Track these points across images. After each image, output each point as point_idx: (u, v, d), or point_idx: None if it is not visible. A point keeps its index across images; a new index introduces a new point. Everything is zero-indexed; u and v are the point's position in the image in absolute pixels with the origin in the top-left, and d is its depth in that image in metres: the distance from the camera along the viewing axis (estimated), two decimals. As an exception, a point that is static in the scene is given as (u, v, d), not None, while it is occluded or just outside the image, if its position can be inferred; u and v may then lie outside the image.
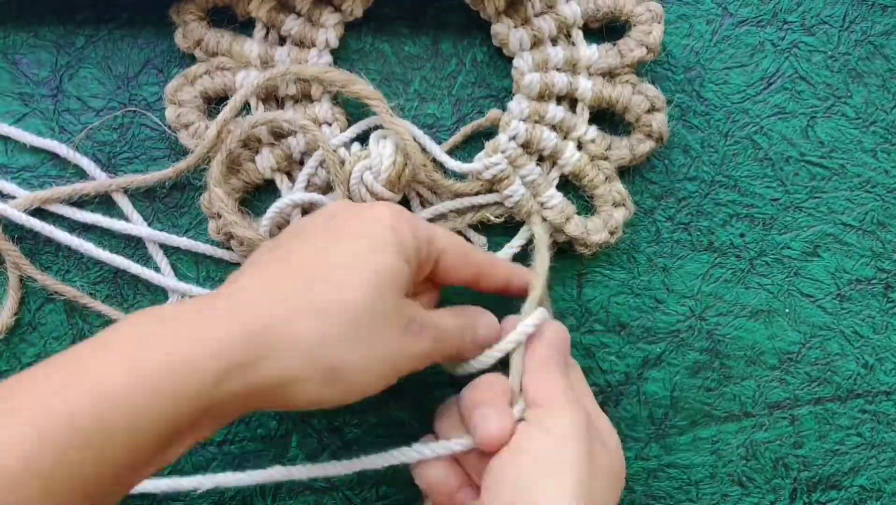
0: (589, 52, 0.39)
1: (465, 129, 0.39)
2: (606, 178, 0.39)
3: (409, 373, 0.30)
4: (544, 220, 0.38)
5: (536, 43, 0.39)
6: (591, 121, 0.39)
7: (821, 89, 0.41)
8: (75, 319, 0.39)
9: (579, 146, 0.39)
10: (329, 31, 0.38)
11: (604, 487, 0.30)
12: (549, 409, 0.31)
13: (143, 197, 0.39)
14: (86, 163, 0.38)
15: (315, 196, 0.37)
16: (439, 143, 0.39)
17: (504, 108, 0.39)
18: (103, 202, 0.39)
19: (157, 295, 0.39)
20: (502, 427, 0.30)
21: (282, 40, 0.39)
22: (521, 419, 0.31)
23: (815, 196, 0.41)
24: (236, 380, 0.25)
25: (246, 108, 0.38)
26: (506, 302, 0.35)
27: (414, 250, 0.30)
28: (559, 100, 0.39)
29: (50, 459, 0.22)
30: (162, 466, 0.26)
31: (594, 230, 0.39)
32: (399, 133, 0.36)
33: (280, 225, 0.37)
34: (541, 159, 0.39)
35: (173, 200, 0.39)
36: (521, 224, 0.39)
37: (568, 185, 0.40)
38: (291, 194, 0.37)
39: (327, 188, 0.38)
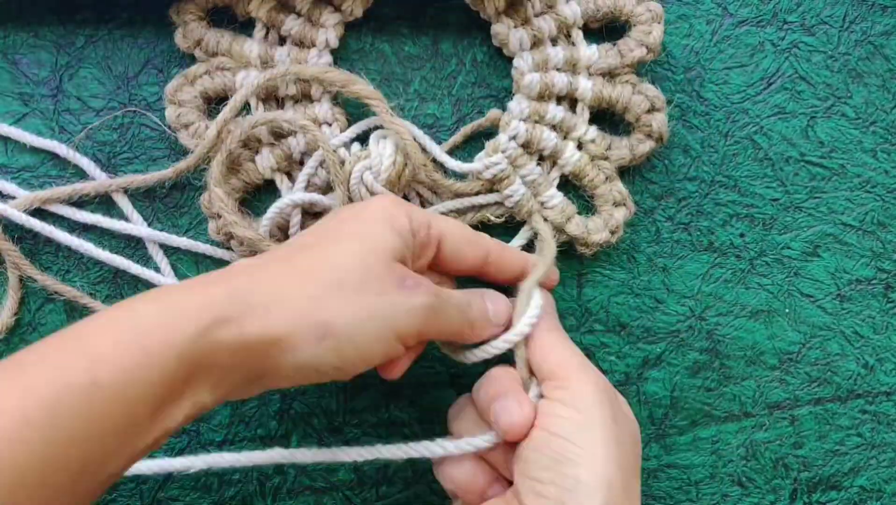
0: (589, 52, 0.39)
1: (466, 129, 0.39)
2: (606, 178, 0.39)
3: (412, 338, 0.29)
4: (545, 220, 0.38)
5: (536, 43, 0.39)
6: (591, 121, 0.39)
7: (821, 89, 0.41)
8: (75, 319, 0.38)
9: (579, 146, 0.39)
10: (329, 31, 0.38)
11: (629, 448, 0.30)
12: (566, 379, 0.30)
13: (143, 197, 0.39)
14: (86, 163, 0.38)
15: (315, 196, 0.37)
16: (439, 143, 0.39)
17: (504, 108, 0.39)
18: (103, 202, 0.39)
19: (157, 295, 0.39)
20: (524, 414, 0.30)
21: (282, 40, 0.39)
22: (540, 396, 0.31)
23: (815, 196, 0.41)
24: (224, 331, 0.25)
25: (246, 108, 0.38)
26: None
27: (409, 232, 0.30)
28: (559, 100, 0.39)
29: (46, 422, 0.22)
30: (163, 437, 0.26)
31: (595, 230, 0.39)
32: (399, 133, 0.36)
33: (280, 225, 0.37)
34: (541, 159, 0.39)
35: (173, 200, 0.39)
36: (521, 224, 0.39)
37: (568, 185, 0.40)
38: (291, 194, 0.37)
39: (327, 188, 0.38)
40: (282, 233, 0.38)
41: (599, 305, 0.40)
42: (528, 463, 0.29)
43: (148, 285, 0.38)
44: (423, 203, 0.39)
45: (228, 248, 0.38)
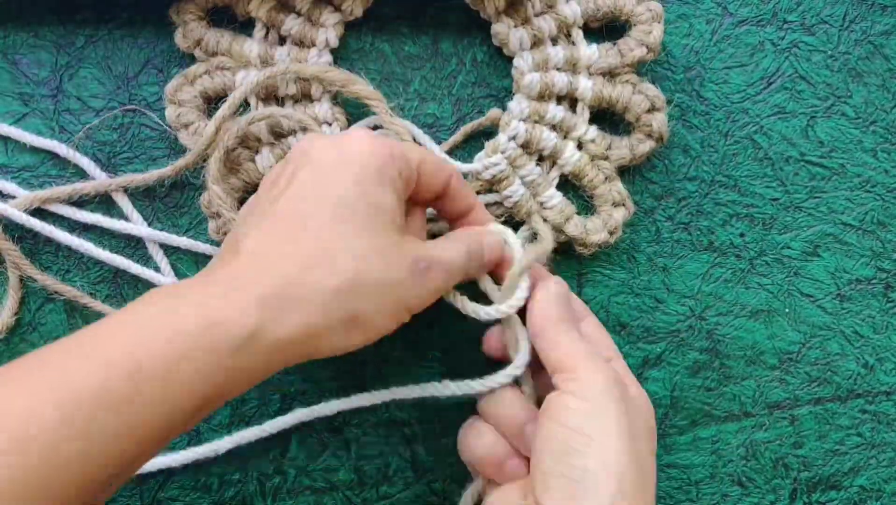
0: (589, 51, 0.39)
1: (465, 129, 0.39)
2: (606, 178, 0.39)
3: (420, 310, 0.31)
4: (545, 220, 0.38)
5: (536, 43, 0.39)
6: (591, 121, 0.39)
7: (821, 89, 0.41)
8: (75, 319, 0.39)
9: (579, 146, 0.39)
10: (329, 30, 0.38)
11: (643, 438, 0.30)
12: (574, 370, 0.30)
13: (143, 197, 0.39)
14: (86, 163, 0.38)
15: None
16: (439, 142, 0.39)
17: (504, 108, 0.39)
18: (103, 202, 0.39)
19: (157, 295, 0.39)
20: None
21: (282, 40, 0.39)
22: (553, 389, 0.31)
23: (815, 196, 0.41)
24: (265, 336, 0.26)
25: (246, 108, 0.38)
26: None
27: (401, 181, 0.31)
28: (559, 100, 0.39)
29: (83, 424, 0.23)
30: (188, 429, 0.27)
31: (594, 230, 0.39)
32: (399, 133, 0.36)
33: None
34: (541, 159, 0.39)
35: (173, 200, 0.39)
36: (521, 224, 0.39)
37: (568, 184, 0.40)
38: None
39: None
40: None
41: (599, 304, 0.40)
42: (539, 454, 0.29)
43: (148, 285, 0.38)
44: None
45: (228, 248, 0.38)
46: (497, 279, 0.34)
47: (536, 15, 0.38)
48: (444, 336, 0.39)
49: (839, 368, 0.40)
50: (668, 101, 0.39)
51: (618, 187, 0.39)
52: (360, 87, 0.37)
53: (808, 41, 0.41)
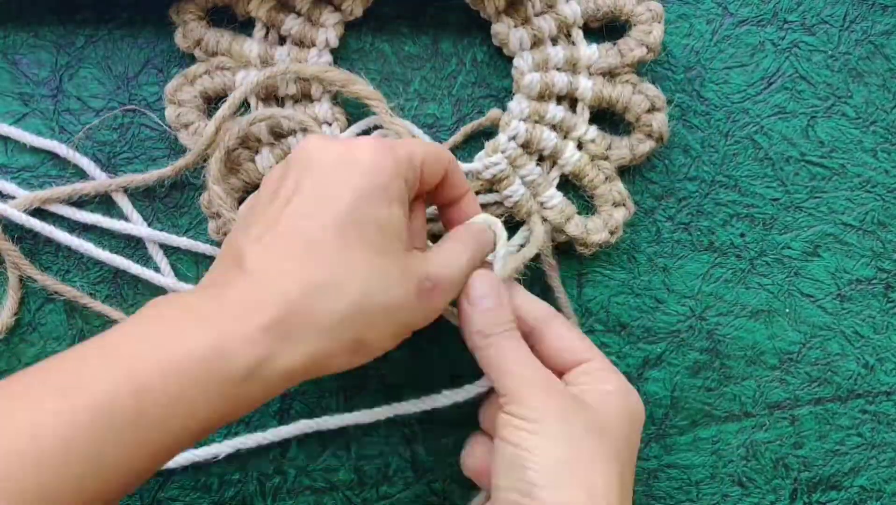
0: (589, 51, 0.39)
1: (466, 129, 0.39)
2: (606, 178, 0.39)
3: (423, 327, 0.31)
4: (545, 220, 0.38)
5: (536, 43, 0.39)
6: (592, 121, 0.39)
7: (821, 89, 0.41)
8: (75, 319, 0.39)
9: (579, 146, 0.39)
10: (329, 30, 0.38)
11: (598, 443, 0.30)
12: (512, 395, 0.31)
13: (143, 197, 0.39)
14: (86, 163, 0.38)
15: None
16: (439, 142, 0.39)
17: (504, 108, 0.39)
18: (103, 202, 0.39)
19: (158, 295, 0.39)
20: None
21: (282, 40, 0.39)
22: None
23: (815, 196, 0.41)
24: (272, 366, 0.26)
25: (246, 108, 0.38)
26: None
27: (408, 188, 0.30)
28: (559, 100, 0.39)
29: (88, 444, 0.23)
30: (191, 446, 0.28)
31: (594, 230, 0.38)
32: (399, 133, 0.36)
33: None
34: (541, 159, 0.39)
35: (173, 200, 0.39)
36: (521, 224, 0.39)
37: (568, 184, 0.40)
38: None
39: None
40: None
41: (600, 304, 0.40)
42: (496, 473, 0.30)
43: (148, 285, 0.38)
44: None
45: (228, 248, 0.38)
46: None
47: (536, 15, 0.38)
48: (444, 335, 0.39)
49: (839, 369, 0.40)
50: (669, 101, 0.39)
51: (618, 187, 0.39)
52: (360, 87, 0.37)
53: (809, 41, 0.41)
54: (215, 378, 0.25)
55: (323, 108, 0.38)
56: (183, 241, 0.38)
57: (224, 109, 0.36)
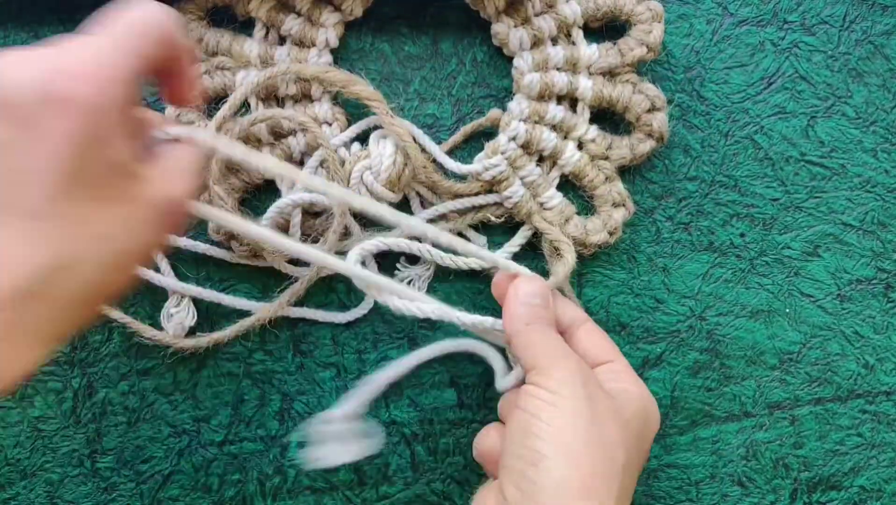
0: (589, 51, 0.39)
1: (466, 129, 0.39)
2: (607, 178, 0.39)
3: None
4: (544, 220, 0.38)
5: (536, 42, 0.39)
6: (592, 120, 0.39)
7: (821, 89, 0.41)
8: (75, 319, 0.38)
9: (579, 146, 0.39)
10: (329, 30, 0.38)
11: (614, 429, 0.30)
12: (542, 366, 0.31)
13: (143, 197, 0.39)
14: (86, 163, 0.38)
15: (315, 196, 0.37)
16: (439, 143, 0.39)
17: (504, 108, 0.39)
18: (103, 202, 0.39)
19: (157, 295, 0.39)
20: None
21: (282, 40, 0.39)
22: (523, 383, 0.32)
23: (815, 196, 0.41)
24: None
25: (246, 108, 0.38)
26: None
27: (138, 91, 0.25)
28: (559, 99, 0.39)
29: None
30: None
31: (594, 230, 0.38)
32: (399, 133, 0.36)
33: (280, 225, 0.37)
34: (541, 159, 0.39)
35: (173, 200, 0.39)
36: (521, 224, 0.39)
37: (568, 185, 0.40)
38: (292, 194, 0.37)
39: (327, 188, 0.38)
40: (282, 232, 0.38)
41: (599, 304, 0.40)
42: (507, 441, 0.30)
43: (148, 285, 0.38)
44: (424, 203, 0.39)
45: (228, 249, 0.38)
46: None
47: (536, 15, 0.38)
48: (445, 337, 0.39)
49: (839, 369, 0.40)
50: (669, 101, 0.39)
51: (618, 187, 0.39)
52: (361, 87, 0.37)
53: (809, 41, 0.41)
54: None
55: (323, 109, 0.38)
56: (183, 242, 0.38)
57: (224, 110, 0.36)
